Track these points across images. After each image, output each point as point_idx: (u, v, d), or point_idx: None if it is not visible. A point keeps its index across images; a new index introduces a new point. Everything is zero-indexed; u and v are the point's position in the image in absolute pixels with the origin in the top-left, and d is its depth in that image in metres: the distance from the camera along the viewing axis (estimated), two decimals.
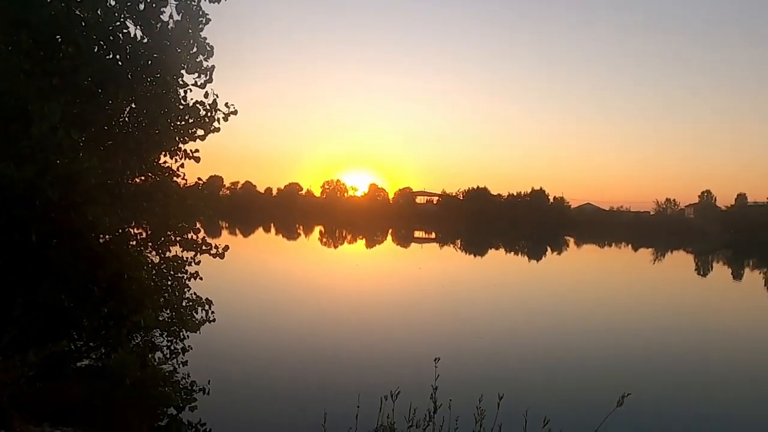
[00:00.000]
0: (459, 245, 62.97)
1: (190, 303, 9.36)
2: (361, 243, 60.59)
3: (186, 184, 9.57)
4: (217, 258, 9.55)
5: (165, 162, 9.34)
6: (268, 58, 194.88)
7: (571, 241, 75.84)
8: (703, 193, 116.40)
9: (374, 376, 11.30)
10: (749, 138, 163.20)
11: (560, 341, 16.10)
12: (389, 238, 70.57)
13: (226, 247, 9.60)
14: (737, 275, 43.39)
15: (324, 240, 62.32)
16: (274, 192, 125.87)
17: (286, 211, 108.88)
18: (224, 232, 60.41)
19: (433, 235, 77.90)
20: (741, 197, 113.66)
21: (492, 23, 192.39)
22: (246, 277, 26.97)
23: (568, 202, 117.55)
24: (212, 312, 9.61)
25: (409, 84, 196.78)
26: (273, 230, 74.85)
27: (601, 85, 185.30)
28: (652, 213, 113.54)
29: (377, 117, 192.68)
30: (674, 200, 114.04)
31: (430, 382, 5.39)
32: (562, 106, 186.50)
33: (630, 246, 70.74)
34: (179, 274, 9.41)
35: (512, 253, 56.10)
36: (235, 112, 9.27)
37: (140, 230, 9.14)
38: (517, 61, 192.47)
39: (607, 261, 53.20)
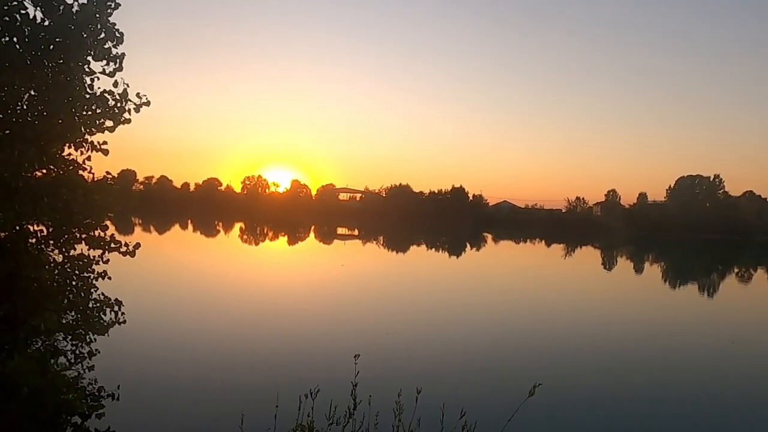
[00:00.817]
0: (381, 242, 63.50)
1: (98, 304, 8.81)
2: (282, 240, 59.70)
3: (93, 178, 8.99)
4: (128, 256, 9.05)
5: (69, 154, 8.71)
6: (186, 47, 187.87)
7: (489, 237, 78.49)
8: (609, 192, 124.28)
9: (294, 375, 11.16)
10: (650, 141, 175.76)
11: (476, 335, 16.61)
12: (312, 234, 70.00)
13: (138, 245, 9.12)
14: (639, 269, 46.58)
15: (244, 237, 60.89)
16: (192, 187, 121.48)
17: (204, 207, 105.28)
18: (137, 230, 57.56)
19: (356, 232, 78.06)
20: (642, 196, 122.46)
21: (410, 23, 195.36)
22: (160, 276, 25.86)
23: (486, 200, 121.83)
24: (122, 313, 9.10)
25: (332, 82, 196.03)
26: (190, 227, 72.18)
27: (516, 88, 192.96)
28: (563, 211, 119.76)
29: (300, 114, 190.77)
30: (583, 199, 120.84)
31: (350, 379, 5.40)
32: (482, 107, 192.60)
33: (543, 242, 74.22)
34: (85, 274, 8.82)
35: (433, 249, 57.26)
36: (147, 103, 8.81)
37: (41, 227, 8.48)
38: (440, 62, 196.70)
39: (522, 256, 55.50)
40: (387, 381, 9.66)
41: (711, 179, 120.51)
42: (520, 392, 5.13)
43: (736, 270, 49.02)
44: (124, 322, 9.15)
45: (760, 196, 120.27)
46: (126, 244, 9.02)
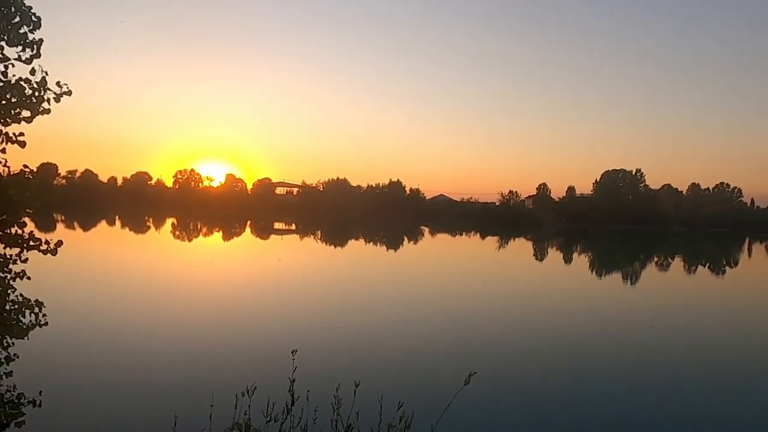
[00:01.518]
0: (319, 236, 63.15)
1: (16, 306, 8.28)
2: (217, 235, 58.23)
3: (9, 172, 8.42)
4: (50, 255, 8.55)
5: None
6: (114, 35, 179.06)
7: (426, 230, 79.65)
8: (540, 185, 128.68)
9: (229, 374, 10.93)
10: (579, 137, 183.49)
11: (414, 327, 16.84)
12: (248, 230, 68.66)
13: (60, 243, 8.63)
14: (567, 259, 48.62)
15: (177, 233, 58.93)
16: (120, 182, 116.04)
17: (133, 202, 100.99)
18: (60, 226, 54.56)
19: (294, 227, 77.25)
20: (571, 190, 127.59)
21: (346, 18, 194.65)
22: (85, 275, 24.65)
23: (423, 194, 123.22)
24: (44, 315, 8.59)
25: (267, 76, 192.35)
26: (118, 223, 69.12)
27: (450, 85, 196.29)
28: (497, 204, 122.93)
29: (235, 107, 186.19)
30: (516, 192, 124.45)
31: (288, 375, 5.34)
32: (419, 102, 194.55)
33: (478, 234, 76.10)
34: (1, 274, 8.28)
35: (371, 243, 57.49)
36: (69, 93, 8.33)
37: None
38: (378, 56, 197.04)
39: (458, 249, 56.68)
40: (325, 375, 9.63)
41: (633, 173, 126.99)
42: (457, 382, 5.24)
43: (655, 259, 52.06)
44: (46, 324, 8.65)
45: (677, 189, 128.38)
46: (47, 242, 8.52)
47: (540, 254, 53.25)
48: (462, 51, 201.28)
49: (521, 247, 63.46)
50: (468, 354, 13.84)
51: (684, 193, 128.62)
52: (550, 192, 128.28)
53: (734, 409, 10.91)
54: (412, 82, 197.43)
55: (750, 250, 70.74)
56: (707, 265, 48.69)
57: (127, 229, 62.89)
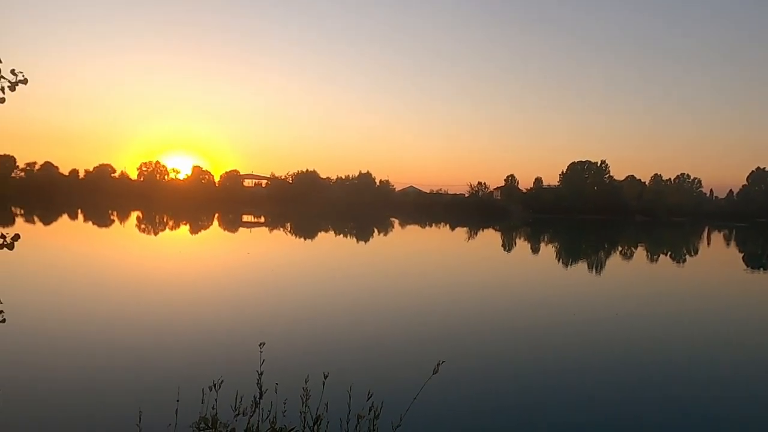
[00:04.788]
0: (288, 229, 62.71)
1: None
2: (184, 229, 57.27)
3: None
4: (6, 249, 8.26)
5: None
6: (78, 24, 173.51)
7: (396, 222, 79.87)
8: (508, 177, 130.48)
9: (196, 368, 10.77)
10: (546, 129, 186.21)
11: (383, 318, 16.89)
12: (215, 222, 67.73)
13: (17, 236, 8.30)
14: (535, 249, 49.42)
15: (142, 227, 57.75)
16: (81, 174, 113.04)
17: (96, 195, 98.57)
18: (19, 220, 52.91)
19: (263, 219, 76.51)
20: (538, 181, 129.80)
21: (313, 9, 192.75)
22: (45, 270, 23.95)
23: (393, 186, 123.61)
24: (1, 312, 8.33)
25: (235, 66, 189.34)
26: (80, 217, 67.34)
27: (419, 77, 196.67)
28: (466, 195, 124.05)
29: (201, 99, 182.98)
30: (485, 183, 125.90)
31: (256, 368, 5.29)
32: (390, 92, 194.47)
33: (448, 225, 76.70)
34: None
35: (341, 235, 57.38)
36: (24, 81, 7.98)
37: None
38: (348, 45, 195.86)
39: (428, 240, 57.02)
40: (294, 368, 9.60)
41: (598, 164, 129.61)
42: (426, 371, 5.27)
43: (619, 248, 53.33)
44: (3, 321, 8.38)
45: (640, 180, 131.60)
46: (3, 236, 8.22)
47: (508, 244, 53.97)
48: (430, 42, 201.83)
49: (490, 237, 64.21)
50: (437, 343, 13.95)
51: (647, 183, 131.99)
52: (518, 183, 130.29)
53: (694, 393, 11.27)
54: (380, 73, 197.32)
55: (709, 239, 73.08)
56: (668, 253, 50.12)
57: (89, 222, 61.33)
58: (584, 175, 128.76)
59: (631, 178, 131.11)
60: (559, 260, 41.31)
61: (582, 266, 37.35)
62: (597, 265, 37.03)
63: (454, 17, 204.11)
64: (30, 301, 16.22)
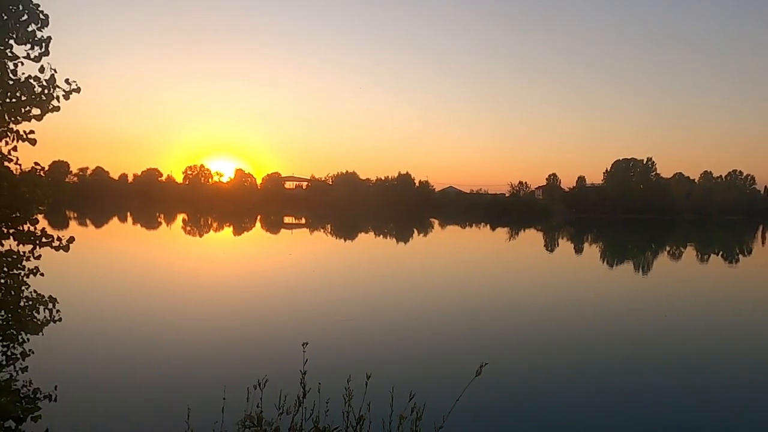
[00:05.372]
0: (329, 230, 63.25)
1: (30, 302, 8.39)
2: (228, 230, 58.51)
3: (21, 169, 8.50)
4: (62, 251, 8.64)
5: None
6: (124, 33, 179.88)
7: (436, 222, 79.53)
8: (550, 176, 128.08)
9: (241, 367, 10.98)
10: (589, 126, 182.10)
11: (425, 318, 16.84)
12: (258, 224, 68.92)
13: (71, 239, 8.71)
14: (578, 249, 48.37)
15: (188, 228, 59.28)
16: (131, 178, 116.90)
17: (144, 199, 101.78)
18: (73, 223, 55.10)
19: (303, 221, 77.42)
20: (581, 179, 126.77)
21: (354, 12, 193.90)
22: (98, 270, 24.86)
23: (432, 186, 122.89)
24: (57, 311, 8.71)
25: (276, 70, 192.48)
26: (130, 219, 69.64)
27: (460, 77, 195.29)
28: (507, 195, 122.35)
29: (243, 103, 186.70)
30: (526, 183, 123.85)
31: (299, 368, 5.36)
32: (426, 94, 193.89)
33: (488, 226, 75.88)
34: (15, 271, 8.37)
35: (381, 236, 57.51)
36: (77, 90, 8.39)
37: None
38: (386, 49, 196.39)
39: (468, 240, 56.56)
40: (336, 368, 9.67)
41: (644, 162, 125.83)
42: (468, 373, 5.24)
43: (667, 248, 51.66)
44: (60, 320, 8.76)
45: (688, 177, 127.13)
46: (59, 239, 8.60)
47: (551, 245, 53.01)
48: (469, 42, 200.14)
49: (532, 237, 63.21)
50: (479, 345, 13.83)
51: (696, 181, 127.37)
52: (560, 182, 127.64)
53: (750, 397, 10.82)
54: (420, 74, 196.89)
55: (764, 238, 70.03)
56: (720, 253, 48.22)
57: (138, 225, 63.35)
58: (629, 173, 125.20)
59: (679, 176, 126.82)
60: (603, 261, 40.31)
61: (628, 267, 36.36)
62: (644, 266, 35.96)
63: (491, 17, 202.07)
64: (85, 301, 16.89)
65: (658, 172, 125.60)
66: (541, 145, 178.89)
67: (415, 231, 63.69)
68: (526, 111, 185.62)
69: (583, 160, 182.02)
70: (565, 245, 53.27)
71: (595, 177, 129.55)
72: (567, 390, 10.86)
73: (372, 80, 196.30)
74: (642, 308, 20.40)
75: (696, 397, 10.60)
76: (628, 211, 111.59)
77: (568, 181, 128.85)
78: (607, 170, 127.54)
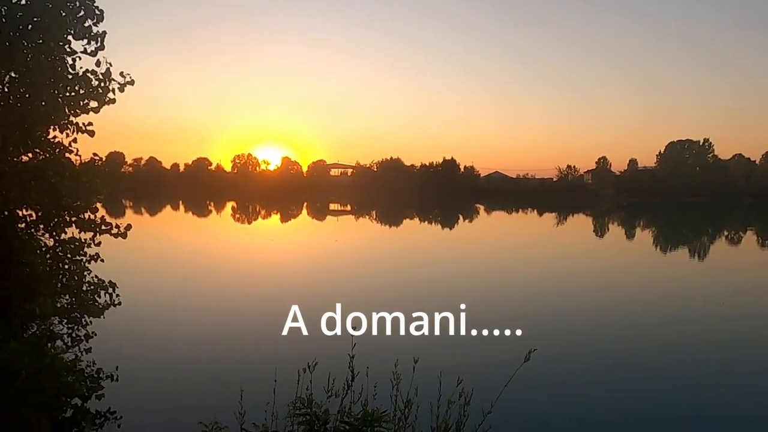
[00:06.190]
0: (374, 216, 63.54)
1: (92, 287, 8.80)
2: (275, 218, 59.61)
3: (81, 160, 8.88)
4: (120, 238, 9.01)
5: (55, 137, 8.59)
6: (174, 27, 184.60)
7: (482, 208, 78.69)
8: (599, 159, 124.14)
9: (292, 351, 11.22)
10: (640, 107, 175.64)
11: (472, 303, 16.69)
12: (304, 211, 69.90)
13: (129, 226, 9.07)
14: (630, 235, 46.95)
15: (237, 216, 60.72)
16: (182, 168, 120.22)
17: (195, 187, 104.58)
18: (128, 212, 57.28)
19: (349, 207, 78.02)
20: (632, 163, 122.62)
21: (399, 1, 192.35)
22: (154, 256, 25.82)
23: (477, 171, 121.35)
24: (117, 295, 9.11)
25: (321, 59, 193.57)
26: (182, 207, 71.85)
27: (505, 61, 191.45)
28: (554, 179, 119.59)
29: (289, 91, 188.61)
30: (574, 167, 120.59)
31: (348, 352, 5.44)
32: (472, 79, 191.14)
33: (535, 211, 74.51)
34: (77, 257, 8.79)
35: (426, 222, 57.38)
36: (131, 82, 8.67)
37: (30, 212, 8.40)
38: (429, 32, 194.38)
39: (515, 226, 55.76)
40: (384, 353, 9.73)
41: (701, 143, 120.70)
42: (517, 359, 5.20)
43: (725, 233, 49.51)
44: (119, 304, 9.16)
45: (749, 159, 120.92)
46: (117, 226, 8.97)
47: (600, 230, 51.65)
48: (513, 26, 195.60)
49: (581, 223, 61.75)
50: (528, 331, 13.63)
51: (757, 162, 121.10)
52: (610, 166, 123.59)
53: None
54: (464, 59, 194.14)
55: None
56: None
57: (190, 213, 65.29)
58: (685, 155, 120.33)
59: (738, 157, 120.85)
60: (657, 247, 39.03)
61: (683, 252, 35.10)
62: (700, 252, 34.59)
63: (539, 4, 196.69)
64: (143, 286, 17.58)
65: (716, 153, 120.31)
66: (590, 127, 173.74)
67: (461, 217, 63.21)
68: (574, 93, 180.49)
69: (636, 142, 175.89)
70: (615, 230, 51.80)
71: (647, 160, 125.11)
72: (616, 378, 10.63)
73: (417, 66, 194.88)
74: (697, 294, 19.69)
75: (752, 388, 10.19)
76: (683, 195, 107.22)
77: (619, 165, 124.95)
78: (660, 152, 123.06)
